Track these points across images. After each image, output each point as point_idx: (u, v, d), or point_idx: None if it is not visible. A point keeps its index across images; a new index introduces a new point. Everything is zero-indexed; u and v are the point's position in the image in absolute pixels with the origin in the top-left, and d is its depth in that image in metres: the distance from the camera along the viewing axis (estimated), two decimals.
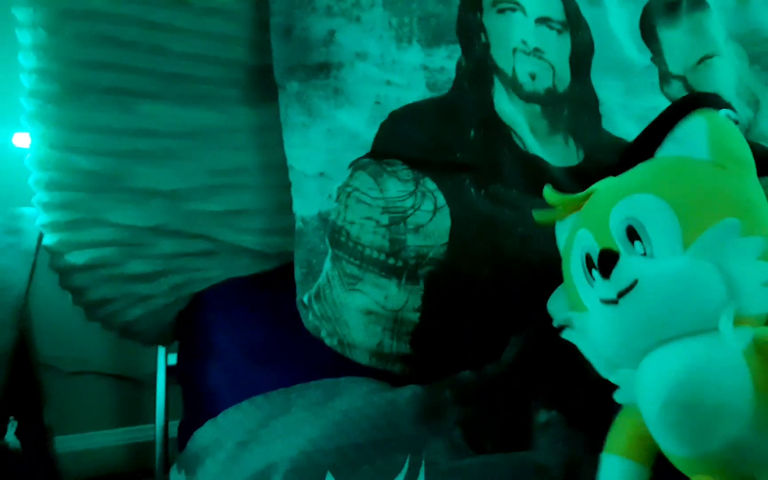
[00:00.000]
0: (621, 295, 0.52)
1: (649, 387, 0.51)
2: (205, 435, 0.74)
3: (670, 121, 0.76)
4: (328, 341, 0.77)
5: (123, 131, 0.87)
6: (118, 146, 0.88)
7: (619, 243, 0.55)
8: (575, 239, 0.60)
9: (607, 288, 0.53)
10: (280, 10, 0.84)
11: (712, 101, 0.73)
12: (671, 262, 0.51)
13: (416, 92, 0.83)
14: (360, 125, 0.80)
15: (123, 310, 0.94)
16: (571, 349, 0.69)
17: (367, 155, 0.79)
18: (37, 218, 0.92)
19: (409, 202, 0.76)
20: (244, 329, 0.86)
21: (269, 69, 0.85)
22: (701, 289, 0.50)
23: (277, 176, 0.86)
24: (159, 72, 0.87)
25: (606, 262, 0.53)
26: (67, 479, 1.07)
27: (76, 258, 0.90)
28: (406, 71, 0.83)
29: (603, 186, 0.61)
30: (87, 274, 0.91)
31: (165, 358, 1.10)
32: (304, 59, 0.83)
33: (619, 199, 0.56)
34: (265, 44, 0.86)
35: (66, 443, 1.18)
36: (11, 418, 0.91)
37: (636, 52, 0.96)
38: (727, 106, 0.70)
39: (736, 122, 0.71)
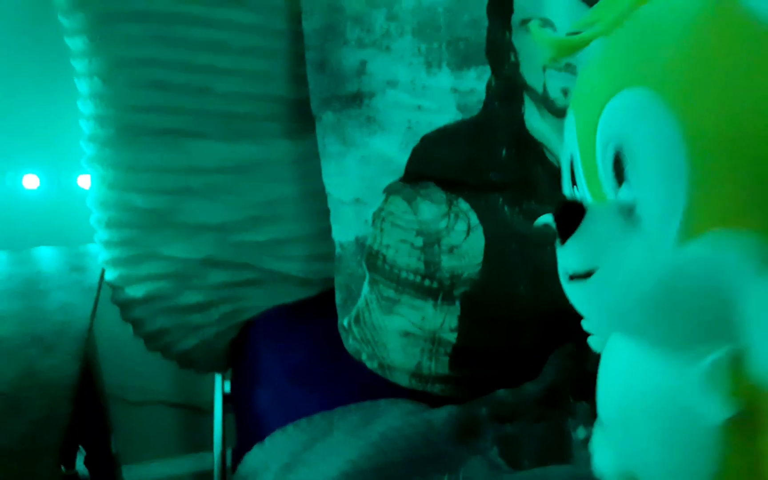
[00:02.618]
0: (581, 276, 0.38)
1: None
2: (253, 459, 0.76)
3: None
4: (369, 364, 0.79)
5: (174, 169, 0.93)
6: (170, 184, 0.93)
7: (603, 175, 0.37)
8: (566, 127, 0.43)
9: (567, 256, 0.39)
10: (315, 45, 0.87)
11: None
12: (654, 254, 0.34)
13: (447, 115, 0.84)
14: (393, 151, 0.82)
15: (179, 340, 0.99)
16: None
17: (401, 179, 0.81)
18: (99, 255, 0.98)
19: (442, 224, 0.77)
20: (290, 354, 0.88)
21: (306, 102, 0.89)
22: (686, 305, 0.35)
23: (317, 204, 0.89)
24: (205, 111, 0.91)
25: (564, 220, 0.38)
26: None
27: (135, 291, 0.96)
28: (436, 95, 0.84)
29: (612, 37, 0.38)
30: (145, 307, 0.97)
31: (222, 386, 1.13)
32: (338, 90, 0.86)
33: (616, 89, 0.36)
34: (301, 78, 0.90)
35: (132, 472, 1.24)
36: (80, 447, 0.96)
37: None
38: None
39: None
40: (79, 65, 0.92)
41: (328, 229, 0.86)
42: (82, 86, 0.93)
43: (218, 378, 1.16)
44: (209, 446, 1.14)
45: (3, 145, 1.12)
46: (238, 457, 0.82)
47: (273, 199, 0.94)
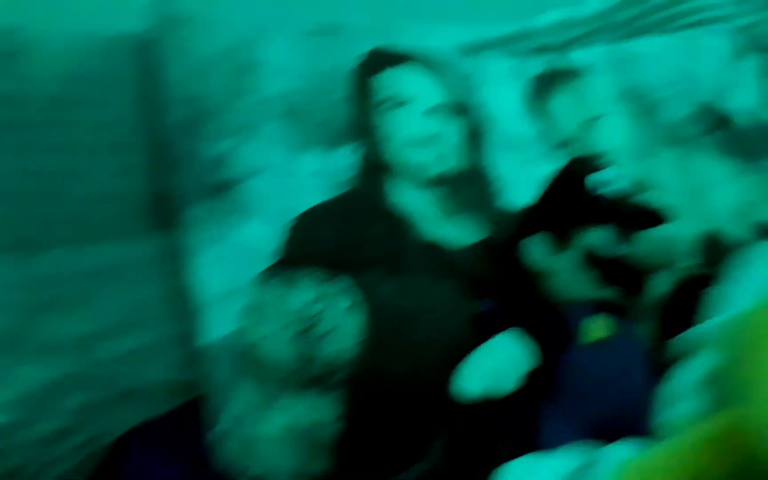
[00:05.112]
0: None
1: None
2: None
3: (559, 183, 0.80)
4: (246, 473, 0.73)
5: (24, 284, 0.85)
6: (22, 300, 0.84)
7: None
8: None
9: None
10: (176, 137, 0.85)
11: (588, 165, 0.77)
12: None
13: (317, 195, 0.84)
14: (264, 237, 0.80)
15: (38, 474, 0.88)
16: (494, 434, 0.68)
17: (273, 266, 0.79)
18: None
19: (318, 307, 0.75)
20: (161, 472, 0.81)
21: (169, 196, 0.85)
22: None
23: (184, 304, 0.84)
24: (56, 218, 0.85)
25: None
26: None
27: None
28: (305, 176, 0.84)
29: None
30: None
31: None
32: (204, 181, 0.84)
33: None
34: (163, 171, 0.86)
35: None
36: None
37: (526, 125, 0.99)
38: (603, 167, 0.74)
39: (615, 180, 0.75)
40: None
41: (197, 331, 0.81)
42: None
43: None
44: None
45: None
46: None
47: (135, 304, 0.88)
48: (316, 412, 0.73)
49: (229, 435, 0.74)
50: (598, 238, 0.72)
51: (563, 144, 0.99)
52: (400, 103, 0.91)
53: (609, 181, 0.75)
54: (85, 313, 0.85)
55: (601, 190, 0.74)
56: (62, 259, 0.85)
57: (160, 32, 0.87)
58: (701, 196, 0.97)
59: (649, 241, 0.70)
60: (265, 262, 0.79)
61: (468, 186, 0.91)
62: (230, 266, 0.79)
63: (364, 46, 0.94)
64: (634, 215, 0.72)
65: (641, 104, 1.04)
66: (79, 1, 1.02)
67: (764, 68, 1.13)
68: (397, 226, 0.84)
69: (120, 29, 0.93)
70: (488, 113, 0.97)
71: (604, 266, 0.72)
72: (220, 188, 0.83)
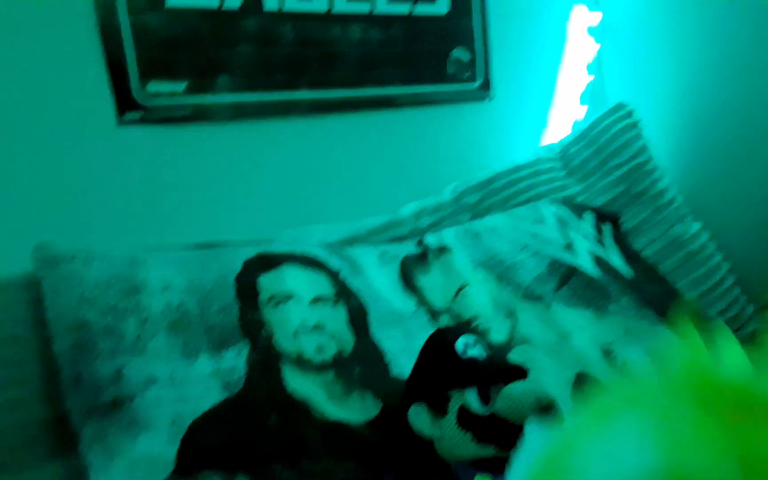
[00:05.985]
0: None
1: None
2: None
3: (428, 352, 0.88)
4: None
5: None
6: None
7: None
8: None
9: None
10: (67, 361, 0.86)
11: (454, 332, 0.86)
12: None
13: (212, 397, 0.86)
14: (160, 447, 0.80)
15: None
16: None
17: (172, 474, 0.79)
18: None
19: None
20: None
21: (65, 420, 0.85)
22: None
23: None
24: None
25: None
26: None
27: None
28: (198, 381, 0.87)
29: None
30: None
31: None
32: (96, 401, 0.84)
33: None
34: (56, 397, 0.87)
35: None
36: None
37: (403, 302, 1.09)
38: (465, 332, 0.82)
39: (476, 343, 0.84)
40: None
41: None
42: None
43: None
44: None
45: None
46: None
47: None
48: None
49: None
50: (468, 399, 0.79)
51: (437, 314, 1.10)
52: (285, 299, 0.99)
53: (474, 343, 0.84)
54: None
55: (468, 354, 0.82)
56: None
57: (43, 272, 0.91)
58: (564, 345, 1.08)
59: (512, 395, 0.78)
60: (163, 471, 0.78)
61: (358, 365, 0.97)
62: None
63: (242, 256, 1.03)
64: (498, 373, 0.80)
65: (500, 269, 1.18)
66: None
67: (595, 226, 1.32)
68: (294, 413, 0.86)
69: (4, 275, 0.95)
70: (368, 296, 1.06)
71: (476, 425, 0.78)
72: (114, 405, 0.83)
